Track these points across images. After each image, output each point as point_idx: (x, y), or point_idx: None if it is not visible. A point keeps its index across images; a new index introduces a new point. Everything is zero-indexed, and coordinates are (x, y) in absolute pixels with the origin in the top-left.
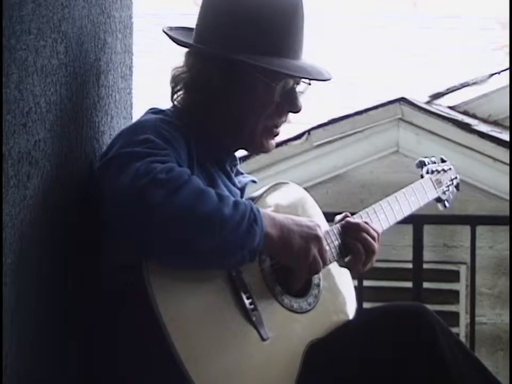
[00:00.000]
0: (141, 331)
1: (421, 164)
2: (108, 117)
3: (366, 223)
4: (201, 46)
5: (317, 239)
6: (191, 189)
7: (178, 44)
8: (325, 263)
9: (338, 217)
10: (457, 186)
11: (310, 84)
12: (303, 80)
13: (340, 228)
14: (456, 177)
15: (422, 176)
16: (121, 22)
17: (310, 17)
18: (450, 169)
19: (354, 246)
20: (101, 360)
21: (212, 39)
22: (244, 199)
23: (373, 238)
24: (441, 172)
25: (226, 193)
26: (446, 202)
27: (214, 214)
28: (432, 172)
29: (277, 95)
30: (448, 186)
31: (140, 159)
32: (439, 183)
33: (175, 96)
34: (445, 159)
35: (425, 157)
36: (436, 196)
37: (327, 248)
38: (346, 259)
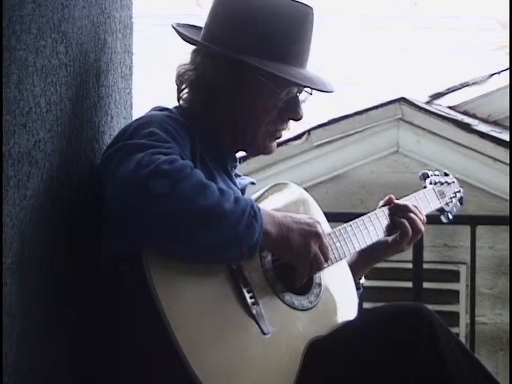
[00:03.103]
0: (141, 322)
1: (424, 176)
2: (107, 117)
3: (415, 206)
4: (211, 44)
5: (316, 235)
6: (193, 181)
7: (186, 41)
8: (327, 260)
9: (381, 202)
10: (460, 200)
11: (311, 94)
12: (305, 89)
13: (387, 209)
14: (459, 191)
15: (425, 187)
16: (121, 22)
17: None
18: (453, 182)
19: (403, 224)
20: (101, 354)
21: (221, 39)
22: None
23: (420, 219)
24: (445, 184)
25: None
26: (449, 214)
27: (215, 207)
28: (435, 183)
29: (281, 101)
30: (451, 198)
31: (143, 150)
32: (442, 194)
33: (181, 94)
34: (448, 172)
35: (429, 169)
36: (438, 206)
37: (329, 248)
38: (393, 236)
